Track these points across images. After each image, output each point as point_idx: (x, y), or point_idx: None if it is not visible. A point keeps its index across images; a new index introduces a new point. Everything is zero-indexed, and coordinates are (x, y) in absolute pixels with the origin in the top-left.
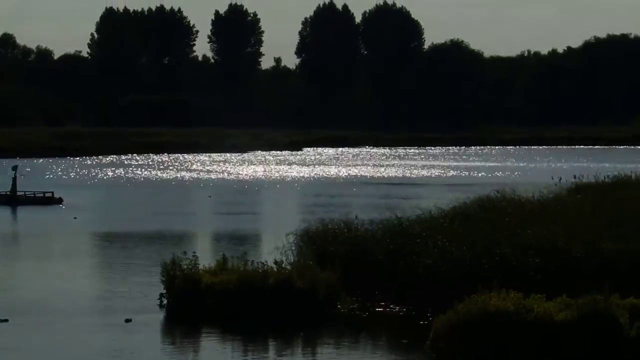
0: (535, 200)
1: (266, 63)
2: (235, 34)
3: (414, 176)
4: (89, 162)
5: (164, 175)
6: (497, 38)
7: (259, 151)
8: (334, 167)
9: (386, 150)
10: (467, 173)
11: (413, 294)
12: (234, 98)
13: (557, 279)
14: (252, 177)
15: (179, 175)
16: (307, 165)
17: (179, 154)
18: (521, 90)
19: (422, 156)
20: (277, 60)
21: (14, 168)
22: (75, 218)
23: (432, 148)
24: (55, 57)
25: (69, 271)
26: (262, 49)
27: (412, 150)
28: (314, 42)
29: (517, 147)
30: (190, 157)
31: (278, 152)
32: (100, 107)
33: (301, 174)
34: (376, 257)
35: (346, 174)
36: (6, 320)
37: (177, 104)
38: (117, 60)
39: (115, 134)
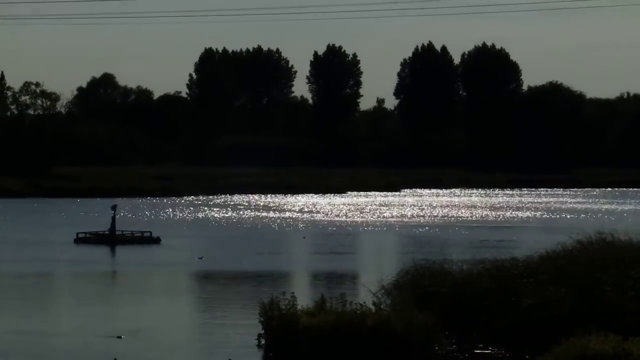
0: (635, 243)
1: (364, 104)
2: (334, 75)
3: (511, 218)
4: (183, 201)
5: (257, 215)
6: (594, 80)
7: (356, 192)
8: (431, 208)
9: (483, 192)
10: (564, 216)
11: (511, 336)
12: (331, 139)
13: None
14: (349, 218)
15: (272, 216)
16: (405, 207)
17: (274, 195)
18: (619, 132)
19: (519, 198)
20: (380, 102)
21: (113, 207)
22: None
23: (529, 190)
24: (155, 97)
25: (169, 308)
26: (360, 90)
27: (508, 192)
28: (413, 84)
29: (616, 189)
30: (284, 198)
31: (375, 193)
32: (196, 148)
33: (398, 216)
34: (475, 298)
35: (443, 215)
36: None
37: (273, 146)
38: (214, 100)
39: (208, 174)
